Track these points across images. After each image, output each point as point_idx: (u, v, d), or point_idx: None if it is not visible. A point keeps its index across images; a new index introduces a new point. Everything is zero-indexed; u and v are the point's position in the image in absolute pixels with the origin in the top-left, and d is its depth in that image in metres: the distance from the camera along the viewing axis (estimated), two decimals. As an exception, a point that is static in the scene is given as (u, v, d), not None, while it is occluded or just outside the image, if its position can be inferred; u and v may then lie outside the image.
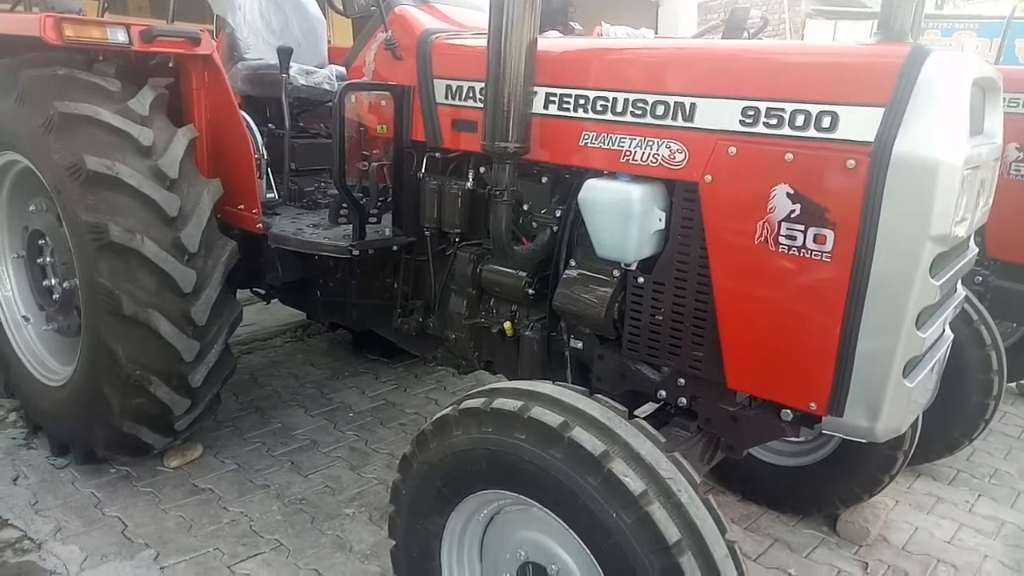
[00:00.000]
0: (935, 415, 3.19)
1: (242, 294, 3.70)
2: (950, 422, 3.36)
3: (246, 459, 3.42)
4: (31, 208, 3.19)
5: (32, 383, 3.31)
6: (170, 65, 3.03)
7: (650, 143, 2.02)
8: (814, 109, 1.74)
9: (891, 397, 1.78)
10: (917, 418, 2.74)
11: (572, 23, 4.63)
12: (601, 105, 2.12)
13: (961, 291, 2.17)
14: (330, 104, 3.66)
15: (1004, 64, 7.90)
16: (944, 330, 2.11)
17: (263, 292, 3.66)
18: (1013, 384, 4.59)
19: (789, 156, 1.77)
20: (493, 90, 2.10)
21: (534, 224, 2.45)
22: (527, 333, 2.50)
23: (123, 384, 2.75)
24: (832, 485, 3.04)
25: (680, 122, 1.96)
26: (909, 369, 1.81)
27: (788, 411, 1.94)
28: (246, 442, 3.58)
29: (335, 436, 3.69)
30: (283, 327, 5.02)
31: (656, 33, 9.77)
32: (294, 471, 3.34)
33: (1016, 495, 3.47)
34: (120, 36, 2.69)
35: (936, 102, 1.62)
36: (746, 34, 4.68)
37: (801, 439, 3.02)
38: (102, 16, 3.32)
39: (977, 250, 2.14)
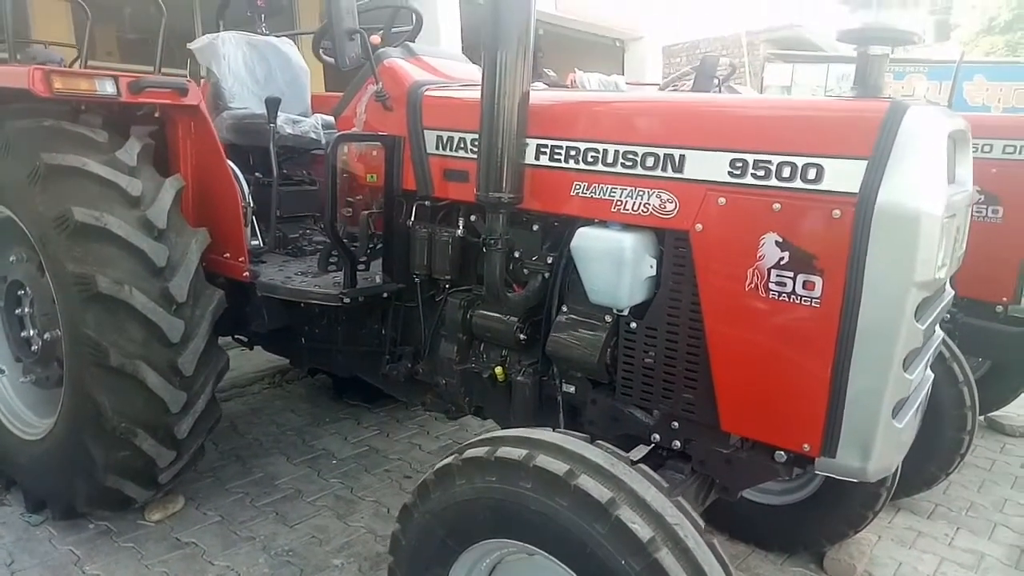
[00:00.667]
0: (913, 450, 3.25)
1: (222, 340, 3.67)
2: (927, 457, 3.44)
3: (229, 510, 3.35)
4: (11, 259, 3.14)
5: (7, 437, 3.23)
6: (156, 115, 3.04)
7: (641, 193, 2.08)
8: (800, 161, 1.81)
9: (882, 437, 1.83)
10: (901, 454, 2.81)
11: (546, 70, 4.77)
12: (592, 156, 2.18)
13: (939, 332, 2.26)
14: (315, 152, 3.72)
15: (955, 108, 8.28)
16: (926, 370, 2.18)
17: (246, 339, 3.63)
18: (981, 417, 4.71)
19: (777, 206, 1.84)
20: (487, 141, 2.15)
21: (525, 271, 2.49)
22: (519, 378, 2.52)
23: (108, 437, 2.70)
24: (818, 523, 3.08)
25: (670, 173, 2.03)
26: (897, 410, 1.87)
27: (782, 453, 1.98)
28: (228, 492, 3.51)
29: (319, 484, 3.64)
30: (261, 373, 4.97)
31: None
32: (279, 521, 3.29)
33: (993, 527, 3.55)
34: (108, 88, 2.70)
35: (916, 154, 1.70)
36: (716, 81, 4.86)
37: (788, 478, 3.06)
38: (84, 66, 3.32)
39: (954, 293, 2.23)
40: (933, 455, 3.44)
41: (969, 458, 4.17)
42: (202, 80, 3.76)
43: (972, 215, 3.62)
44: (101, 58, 7.44)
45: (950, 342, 3.38)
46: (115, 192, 2.67)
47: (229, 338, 3.66)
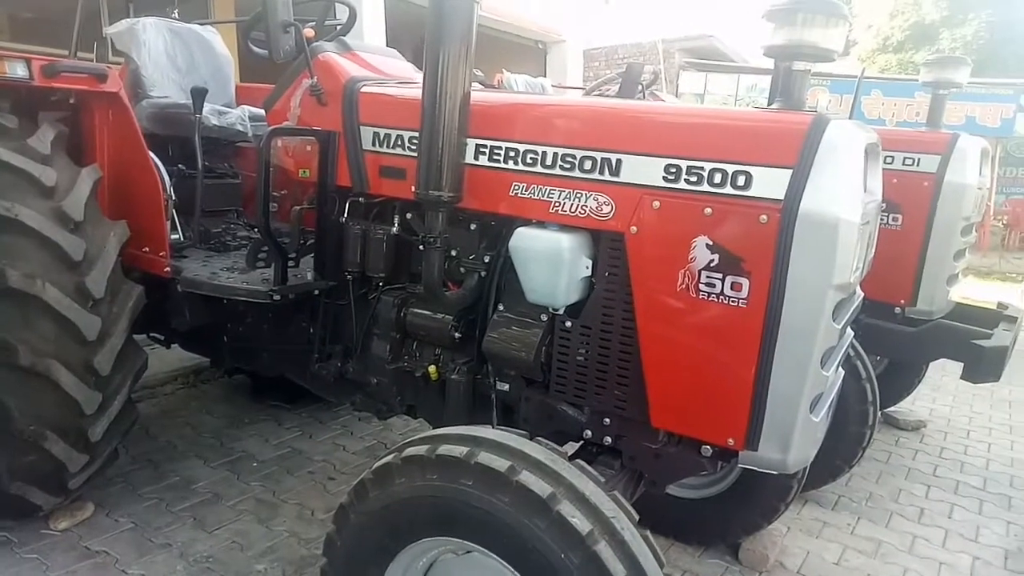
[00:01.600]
0: (821, 444, 3.47)
1: (138, 337, 3.52)
2: (832, 450, 3.63)
3: (143, 517, 3.21)
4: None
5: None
6: (71, 101, 2.89)
7: (578, 195, 2.13)
8: (730, 168, 1.90)
9: (800, 431, 1.94)
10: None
11: (475, 70, 4.78)
12: (531, 158, 2.22)
13: (850, 331, 2.41)
14: (240, 144, 3.60)
15: (855, 119, 8.78)
16: (839, 368, 2.33)
17: (162, 338, 3.49)
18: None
19: (708, 211, 1.93)
20: (428, 140, 2.15)
21: (462, 269, 2.50)
22: (453, 377, 2.53)
23: (14, 441, 2.54)
24: (733, 515, 3.21)
25: (607, 176, 2.08)
26: (814, 405, 1.99)
27: (708, 447, 2.07)
28: (141, 498, 3.37)
29: (239, 488, 3.54)
30: (174, 373, 4.77)
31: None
32: (198, 527, 3.17)
33: (890, 516, 3.80)
34: (19, 71, 2.55)
35: (836, 165, 1.81)
36: (640, 87, 5.00)
37: (713, 471, 3.19)
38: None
39: (863, 295, 2.39)
40: (838, 448, 3.64)
41: (868, 451, 4.46)
42: (120, 66, 3.58)
43: (875, 223, 3.92)
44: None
45: (854, 341, 3.60)
46: (27, 182, 2.52)
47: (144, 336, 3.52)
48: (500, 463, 1.72)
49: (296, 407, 4.47)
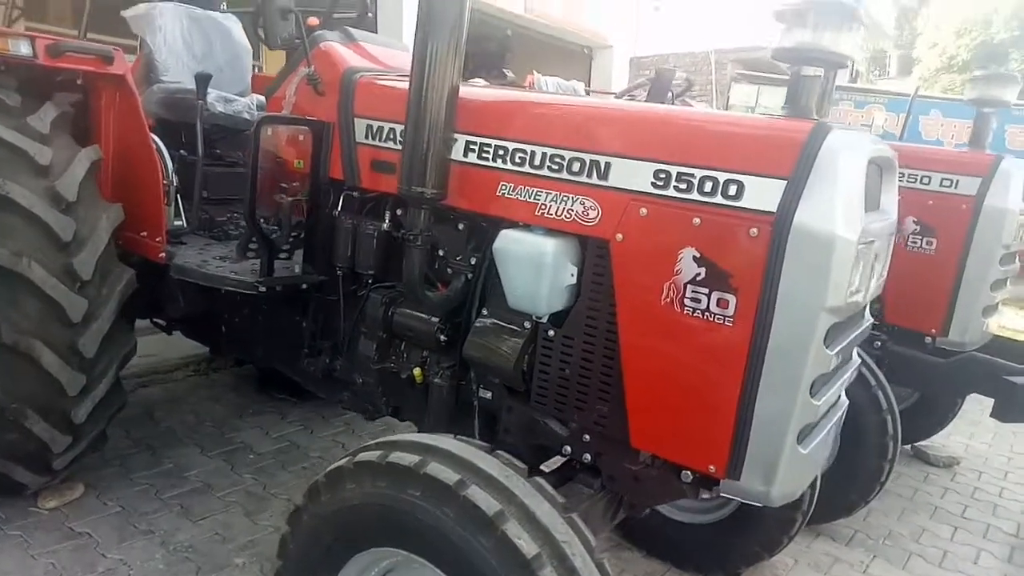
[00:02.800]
0: (834, 477, 3.28)
1: (143, 323, 3.52)
2: (848, 484, 3.46)
3: (131, 501, 3.20)
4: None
5: None
6: (78, 82, 2.90)
7: (565, 198, 2.03)
8: (721, 177, 1.78)
9: (786, 463, 1.79)
10: (816, 479, 2.81)
11: (505, 70, 4.71)
12: (520, 157, 2.12)
13: (856, 359, 2.24)
14: (248, 133, 3.58)
15: (908, 140, 8.46)
16: (840, 396, 2.17)
17: (164, 324, 3.48)
18: (908, 446, 4.79)
19: (697, 220, 1.80)
20: (412, 134, 2.07)
21: (449, 270, 2.42)
22: (436, 381, 2.44)
23: (-4, 417, 2.54)
24: (734, 543, 3.06)
25: (595, 180, 1.98)
26: (804, 436, 1.84)
27: (688, 472, 1.94)
28: (133, 483, 3.36)
29: (232, 479, 3.51)
30: (187, 359, 4.80)
31: (588, 86, 10.03)
32: (183, 516, 3.15)
33: (908, 556, 3.58)
34: (23, 49, 2.56)
35: (834, 178, 1.67)
36: (671, 94, 4.85)
37: (694, 498, 3.05)
38: (10, 26, 3.15)
39: (872, 320, 2.22)
40: (854, 482, 3.47)
41: (892, 486, 4.23)
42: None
43: (907, 245, 3.72)
44: (51, 23, 7.12)
45: (876, 369, 3.40)
46: (22, 159, 2.52)
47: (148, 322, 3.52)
48: (449, 475, 1.63)
49: (302, 401, 4.43)
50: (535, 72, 5.55)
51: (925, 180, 3.68)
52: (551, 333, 2.12)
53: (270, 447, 3.89)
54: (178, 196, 3.12)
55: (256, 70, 4.55)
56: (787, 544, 3.03)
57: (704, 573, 3.19)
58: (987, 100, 3.71)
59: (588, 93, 7.21)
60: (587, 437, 2.13)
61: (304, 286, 2.72)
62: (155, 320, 3.50)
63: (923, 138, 13.33)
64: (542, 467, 2.38)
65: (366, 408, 2.84)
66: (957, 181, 3.61)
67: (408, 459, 1.69)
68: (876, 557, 3.54)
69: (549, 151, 2.06)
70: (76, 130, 2.86)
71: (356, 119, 2.50)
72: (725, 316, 1.77)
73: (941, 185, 3.65)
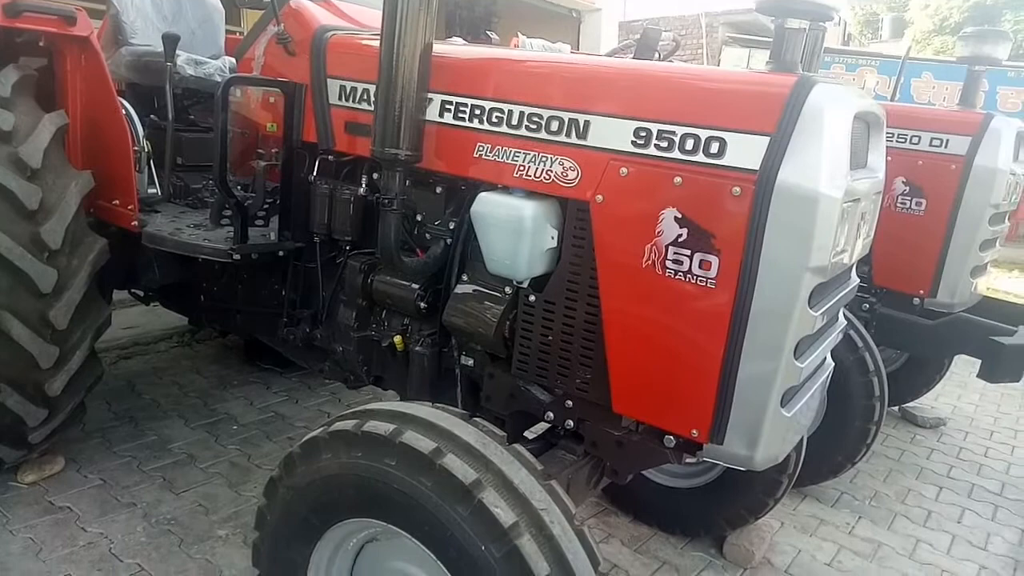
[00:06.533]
0: (819, 439, 3.28)
1: (123, 294, 3.46)
2: (834, 446, 3.46)
3: (113, 474, 3.16)
4: None
5: None
6: (41, 44, 2.79)
7: (544, 159, 1.97)
8: (703, 134, 1.72)
9: (769, 426, 1.77)
10: (801, 442, 2.80)
11: (489, 32, 4.60)
12: (497, 117, 2.05)
13: (842, 320, 2.21)
14: (220, 96, 3.48)
15: (900, 101, 8.37)
16: (825, 358, 2.13)
17: (142, 294, 3.42)
18: (895, 408, 4.80)
19: (678, 180, 1.75)
20: (384, 94, 2.00)
21: (427, 235, 2.36)
22: (417, 348, 2.40)
23: (-34, 392, 2.49)
24: (719, 507, 3.06)
25: (574, 139, 1.91)
26: (787, 399, 1.81)
27: (671, 437, 1.91)
28: (115, 455, 3.32)
29: (215, 451, 3.48)
30: (169, 331, 4.74)
31: (576, 48, 9.85)
32: (165, 488, 3.12)
33: (893, 517, 3.59)
34: (-22, 8, 2.44)
35: (819, 134, 1.61)
36: (657, 55, 4.74)
37: (677, 463, 3.04)
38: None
39: (858, 280, 2.18)
40: (840, 444, 3.46)
41: (879, 448, 4.25)
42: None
43: (895, 206, 3.67)
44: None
45: (864, 331, 3.38)
46: (-18, 125, 2.43)
47: (127, 294, 3.46)
48: (425, 444, 1.59)
49: (287, 371, 4.40)
50: (520, 34, 5.42)
51: (915, 140, 3.62)
52: (532, 298, 2.08)
53: (254, 418, 3.86)
54: (151, 163, 3.03)
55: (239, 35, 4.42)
56: (773, 507, 3.02)
57: (690, 537, 3.19)
58: (978, 58, 3.63)
59: (575, 56, 7.07)
60: (569, 403, 2.10)
61: (281, 253, 2.66)
62: (133, 291, 3.43)
63: (915, 100, 13.23)
64: (525, 434, 2.36)
65: (347, 377, 2.80)
66: (947, 140, 3.55)
67: (383, 428, 1.65)
68: (862, 518, 3.56)
69: (527, 110, 2.00)
70: (41, 95, 2.76)
71: (329, 79, 2.42)
72: (708, 278, 1.73)
73: (931, 145, 3.59)
